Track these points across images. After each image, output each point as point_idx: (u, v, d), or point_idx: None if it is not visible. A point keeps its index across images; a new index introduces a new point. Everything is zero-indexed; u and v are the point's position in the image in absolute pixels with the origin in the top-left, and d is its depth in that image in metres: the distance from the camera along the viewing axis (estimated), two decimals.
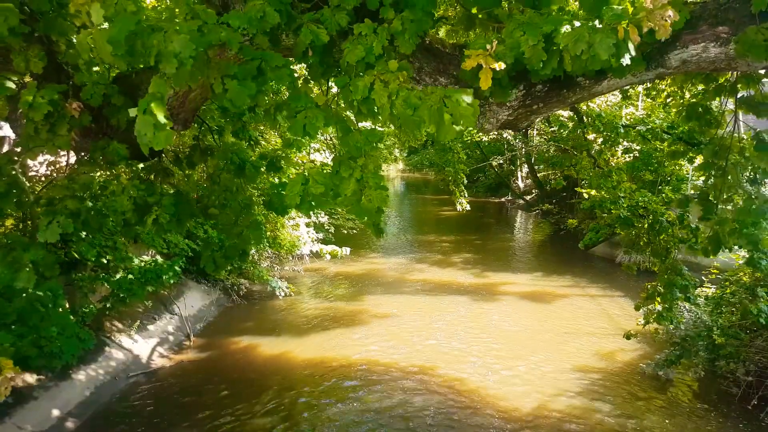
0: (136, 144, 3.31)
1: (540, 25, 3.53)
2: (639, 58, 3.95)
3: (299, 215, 16.34)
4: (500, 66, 3.55)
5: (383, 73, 3.55)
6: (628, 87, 6.02)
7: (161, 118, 3.15)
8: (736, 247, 6.60)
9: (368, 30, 3.62)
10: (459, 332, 13.83)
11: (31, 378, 9.05)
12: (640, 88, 14.52)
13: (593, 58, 3.35)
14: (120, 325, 11.73)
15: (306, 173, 3.69)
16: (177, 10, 3.44)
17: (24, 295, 8.24)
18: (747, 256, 7.47)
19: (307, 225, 17.50)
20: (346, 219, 22.17)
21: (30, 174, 8.39)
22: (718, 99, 6.05)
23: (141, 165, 5.76)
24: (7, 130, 10.91)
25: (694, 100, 6.68)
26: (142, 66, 4.35)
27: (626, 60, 3.35)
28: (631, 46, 3.35)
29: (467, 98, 3.35)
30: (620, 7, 3.39)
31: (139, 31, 3.26)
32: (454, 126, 3.32)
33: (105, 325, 11.36)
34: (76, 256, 10.02)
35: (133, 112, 3.24)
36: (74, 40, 4.43)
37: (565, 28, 3.42)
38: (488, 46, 3.60)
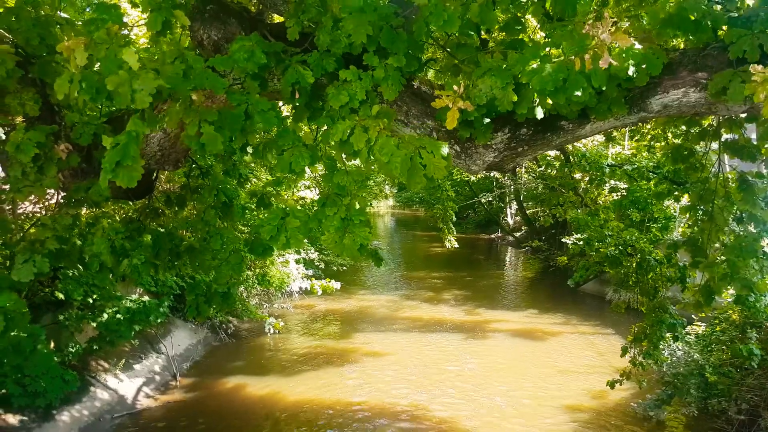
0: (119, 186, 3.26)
1: (509, 68, 3.62)
2: (621, 101, 4.06)
3: (288, 252, 16.20)
4: (468, 106, 3.61)
5: (364, 119, 3.60)
6: (611, 130, 6.12)
7: (129, 156, 3.12)
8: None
9: (353, 76, 3.69)
10: (450, 371, 13.69)
11: (13, 418, 8.84)
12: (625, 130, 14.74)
13: (554, 91, 3.45)
14: (105, 365, 11.52)
15: (286, 207, 3.70)
16: (167, 55, 3.46)
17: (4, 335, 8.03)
18: (735, 293, 7.43)
19: (297, 261, 17.35)
20: (336, 255, 22.07)
21: (18, 211, 8.36)
22: (702, 143, 6.14)
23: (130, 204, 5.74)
24: None
25: (677, 141, 6.77)
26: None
27: (578, 92, 3.43)
28: (583, 77, 3.42)
29: (443, 150, 3.41)
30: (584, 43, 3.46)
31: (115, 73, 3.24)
32: (424, 177, 3.37)
33: (90, 364, 11.16)
34: (61, 296, 9.85)
35: (106, 142, 3.22)
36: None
37: (531, 68, 3.51)
38: (455, 87, 3.68)
